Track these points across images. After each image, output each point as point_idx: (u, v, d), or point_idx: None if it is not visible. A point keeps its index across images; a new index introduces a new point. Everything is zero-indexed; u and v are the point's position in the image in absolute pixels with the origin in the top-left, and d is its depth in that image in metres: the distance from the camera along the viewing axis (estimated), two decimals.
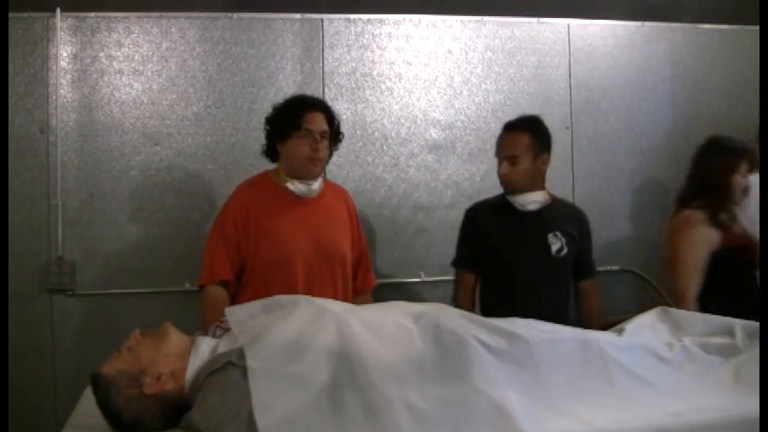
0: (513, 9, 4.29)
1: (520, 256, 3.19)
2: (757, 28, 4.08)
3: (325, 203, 3.22)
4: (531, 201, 3.20)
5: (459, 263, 3.38)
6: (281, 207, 3.12)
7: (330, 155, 3.26)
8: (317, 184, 3.19)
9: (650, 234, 4.44)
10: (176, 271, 3.80)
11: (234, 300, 3.07)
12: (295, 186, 3.13)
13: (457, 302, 3.31)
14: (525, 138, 3.16)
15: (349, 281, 3.27)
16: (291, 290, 2.90)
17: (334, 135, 3.22)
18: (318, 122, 3.09)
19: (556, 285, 3.24)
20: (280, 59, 4.00)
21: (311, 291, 2.88)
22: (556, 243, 3.19)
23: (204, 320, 2.99)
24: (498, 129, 3.84)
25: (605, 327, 2.75)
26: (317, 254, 3.11)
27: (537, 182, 3.23)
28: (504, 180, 3.19)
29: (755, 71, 4.24)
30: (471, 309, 3.25)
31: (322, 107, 3.18)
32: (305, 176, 3.12)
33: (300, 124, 3.06)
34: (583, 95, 4.36)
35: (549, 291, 3.21)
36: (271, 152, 3.22)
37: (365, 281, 3.38)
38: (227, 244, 3.07)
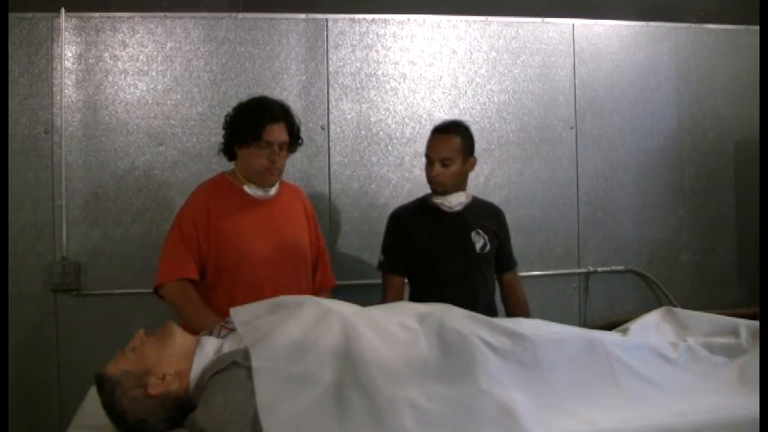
0: (517, 9, 4.29)
1: (446, 256, 3.28)
2: None
3: (283, 203, 3.19)
4: (458, 202, 3.29)
5: (386, 266, 3.40)
6: (240, 208, 3.08)
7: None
8: (273, 189, 3.15)
9: (655, 234, 4.45)
10: None
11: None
12: (252, 190, 3.09)
13: None
14: (457, 140, 3.24)
15: (311, 279, 3.26)
16: (258, 290, 2.86)
17: (294, 140, 3.15)
18: (278, 134, 3.03)
19: (483, 281, 3.35)
20: (284, 59, 4.00)
21: (278, 290, 2.82)
22: (479, 240, 3.29)
23: (182, 313, 2.94)
24: (503, 129, 3.86)
25: (608, 326, 2.76)
26: (279, 253, 3.09)
27: (462, 183, 3.33)
28: (435, 181, 3.25)
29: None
30: None
31: (283, 116, 3.09)
32: (261, 185, 3.09)
33: (260, 136, 2.99)
34: (587, 95, 4.36)
35: (477, 287, 3.31)
36: (228, 151, 3.16)
37: (324, 279, 3.35)
38: (188, 243, 3.01)
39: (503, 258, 3.43)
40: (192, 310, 2.92)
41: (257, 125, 2.99)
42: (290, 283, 3.05)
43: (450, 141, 3.23)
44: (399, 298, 3.37)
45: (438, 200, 3.28)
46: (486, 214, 3.39)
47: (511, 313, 3.42)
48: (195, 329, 2.40)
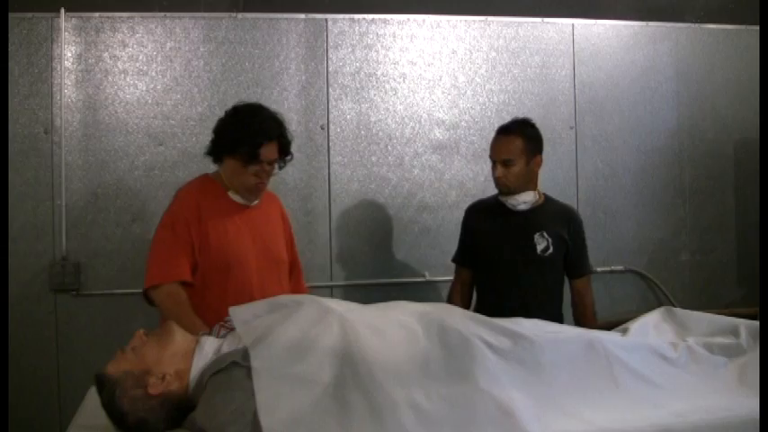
0: (517, 9, 4.30)
1: (505, 254, 3.27)
2: None
3: (264, 209, 3.15)
4: (522, 201, 3.27)
5: (456, 258, 3.51)
6: (228, 212, 3.02)
7: None
8: (257, 201, 3.11)
9: (655, 234, 4.45)
10: None
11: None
12: (237, 197, 3.04)
13: (449, 296, 3.50)
14: (519, 141, 3.22)
15: (289, 284, 3.22)
16: (248, 295, 2.82)
17: (284, 155, 3.07)
18: (271, 153, 2.96)
19: (542, 284, 3.30)
20: (284, 59, 4.01)
21: (265, 295, 2.72)
22: (542, 242, 3.24)
23: (174, 317, 2.72)
24: None
25: (608, 326, 2.76)
26: (264, 258, 3.05)
27: (530, 183, 3.30)
28: (499, 182, 3.25)
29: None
30: (461, 303, 3.36)
31: (277, 134, 2.99)
32: (246, 199, 3.04)
33: (257, 155, 2.91)
34: (587, 95, 4.37)
35: (535, 290, 3.27)
36: (215, 153, 3.07)
37: (298, 286, 3.30)
38: (182, 244, 2.92)
39: (572, 264, 3.35)
40: (184, 320, 2.76)
41: (252, 144, 2.91)
42: (275, 289, 2.99)
43: (511, 142, 3.22)
44: (463, 290, 3.45)
45: (504, 198, 3.29)
46: (556, 217, 3.34)
47: (575, 321, 3.35)
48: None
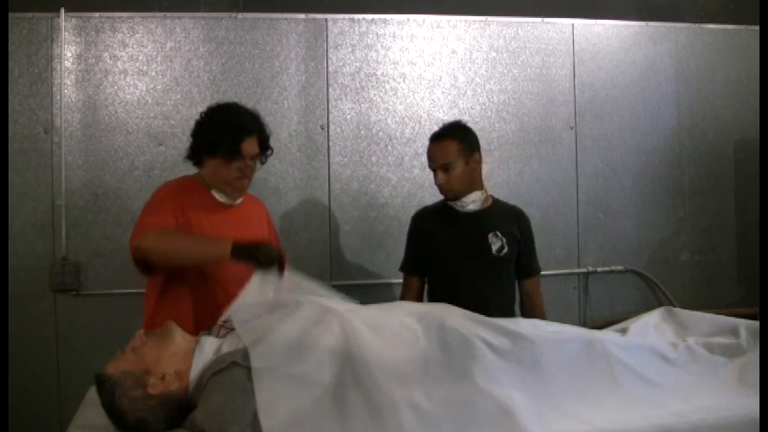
0: (517, 9, 4.29)
1: (461, 257, 3.22)
2: None
3: (246, 209, 3.10)
4: (471, 201, 3.23)
5: (404, 267, 3.43)
6: (211, 208, 2.97)
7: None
8: (241, 198, 3.07)
9: (655, 234, 4.45)
10: None
11: (166, 298, 2.92)
12: (220, 196, 2.99)
13: None
14: (453, 144, 3.19)
15: None
16: (229, 294, 2.70)
17: (264, 149, 3.04)
18: (251, 147, 2.93)
19: (499, 285, 3.26)
20: (284, 59, 4.00)
21: None
22: (496, 242, 3.21)
23: (180, 249, 2.75)
24: (503, 129, 3.84)
25: (608, 326, 2.76)
26: None
27: (475, 183, 3.26)
28: (443, 189, 3.22)
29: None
30: None
31: (255, 129, 2.97)
32: (229, 195, 3.00)
33: (238, 151, 2.88)
34: (587, 95, 4.36)
35: (491, 290, 3.23)
36: (195, 156, 3.02)
37: None
38: (169, 213, 2.83)
39: (522, 264, 3.32)
40: (192, 242, 2.76)
41: (233, 140, 2.87)
42: None
43: (446, 147, 3.18)
44: (416, 298, 3.36)
45: (452, 203, 3.25)
46: (506, 217, 3.31)
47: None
48: (199, 257, 2.66)
